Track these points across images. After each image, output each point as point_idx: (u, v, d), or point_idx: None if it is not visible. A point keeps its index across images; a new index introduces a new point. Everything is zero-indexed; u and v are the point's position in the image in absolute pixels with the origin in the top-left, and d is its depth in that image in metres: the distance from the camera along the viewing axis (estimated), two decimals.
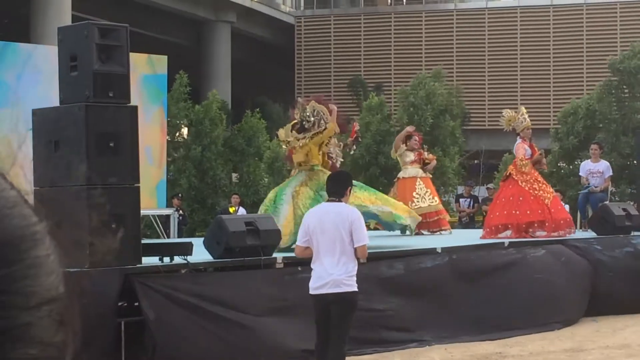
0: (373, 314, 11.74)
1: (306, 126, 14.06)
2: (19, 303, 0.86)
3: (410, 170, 18.10)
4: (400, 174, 18.28)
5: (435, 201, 18.02)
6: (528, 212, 15.62)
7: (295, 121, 14.46)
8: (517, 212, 15.62)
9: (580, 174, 19.17)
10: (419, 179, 17.96)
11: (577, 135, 27.83)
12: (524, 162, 16.01)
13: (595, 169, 18.50)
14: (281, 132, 14.91)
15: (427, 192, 17.90)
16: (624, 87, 28.80)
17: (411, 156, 18.23)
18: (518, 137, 16.39)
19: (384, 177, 28.15)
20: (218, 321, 10.41)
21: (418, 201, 17.63)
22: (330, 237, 8.48)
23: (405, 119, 28.70)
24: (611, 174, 19.02)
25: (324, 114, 15.87)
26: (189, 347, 10.09)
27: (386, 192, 17.97)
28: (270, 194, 14.13)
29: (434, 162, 18.92)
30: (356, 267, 8.59)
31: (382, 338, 11.96)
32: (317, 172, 13.74)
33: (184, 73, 26.77)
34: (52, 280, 0.89)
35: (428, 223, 17.60)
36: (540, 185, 16.03)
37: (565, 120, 28.44)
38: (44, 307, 0.88)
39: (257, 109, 29.96)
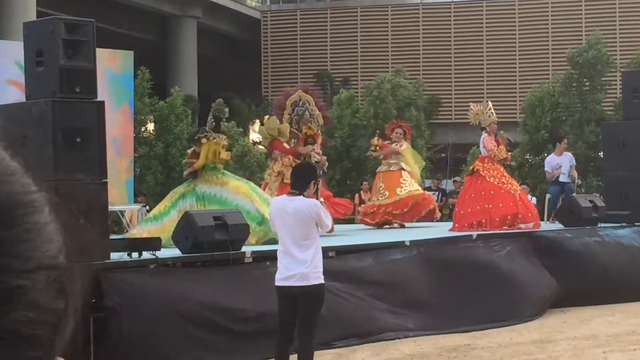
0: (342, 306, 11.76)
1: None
2: (15, 266, 0.87)
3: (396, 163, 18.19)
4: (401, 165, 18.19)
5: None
6: (500, 204, 15.71)
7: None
8: (490, 206, 15.70)
9: (546, 168, 19.27)
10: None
11: (546, 129, 27.99)
12: (495, 152, 16.09)
13: (562, 162, 18.66)
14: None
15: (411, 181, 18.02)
16: (585, 79, 29.00)
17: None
18: (484, 131, 16.46)
19: (354, 171, 28.22)
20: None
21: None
22: (293, 232, 8.44)
23: (371, 112, 28.80)
24: (574, 163, 19.17)
25: (309, 104, 16.08)
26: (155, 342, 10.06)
27: (356, 185, 18.05)
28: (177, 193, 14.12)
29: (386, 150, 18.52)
30: (321, 260, 8.59)
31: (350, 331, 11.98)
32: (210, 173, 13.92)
33: (145, 69, 26.57)
34: (50, 248, 0.91)
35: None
36: (507, 179, 16.13)
37: (532, 112, 28.55)
38: (42, 271, 0.89)
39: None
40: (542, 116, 28.15)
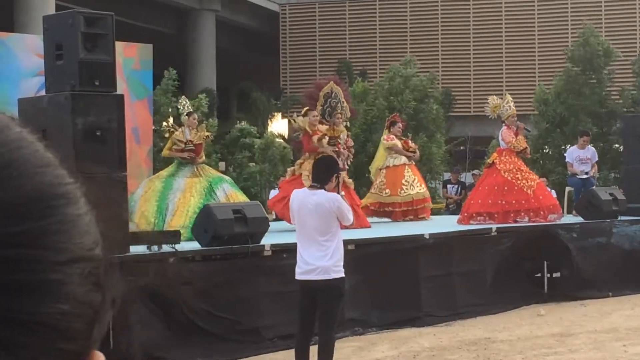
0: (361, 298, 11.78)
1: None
2: (47, 258, 0.86)
3: (399, 157, 18.00)
4: (389, 162, 18.04)
5: (423, 188, 17.97)
6: (514, 201, 15.69)
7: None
8: (503, 202, 15.68)
9: (567, 160, 19.20)
10: (407, 166, 17.88)
11: (550, 121, 27.93)
12: (514, 143, 16.05)
13: (584, 156, 18.60)
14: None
15: (414, 179, 17.84)
16: (590, 72, 28.90)
17: (399, 143, 18.15)
18: (503, 124, 16.43)
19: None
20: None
21: (407, 188, 17.59)
22: (314, 226, 8.43)
23: (385, 105, 28.75)
24: (596, 159, 19.13)
25: (340, 96, 16.21)
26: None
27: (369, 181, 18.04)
28: (154, 184, 14.13)
29: (417, 155, 18.68)
30: (342, 254, 8.57)
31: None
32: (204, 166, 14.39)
33: (172, 70, 26.64)
34: (85, 240, 0.90)
35: (415, 210, 17.63)
36: (523, 174, 16.07)
37: (539, 107, 28.55)
38: (76, 264, 0.88)
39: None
40: (547, 110, 28.12)
